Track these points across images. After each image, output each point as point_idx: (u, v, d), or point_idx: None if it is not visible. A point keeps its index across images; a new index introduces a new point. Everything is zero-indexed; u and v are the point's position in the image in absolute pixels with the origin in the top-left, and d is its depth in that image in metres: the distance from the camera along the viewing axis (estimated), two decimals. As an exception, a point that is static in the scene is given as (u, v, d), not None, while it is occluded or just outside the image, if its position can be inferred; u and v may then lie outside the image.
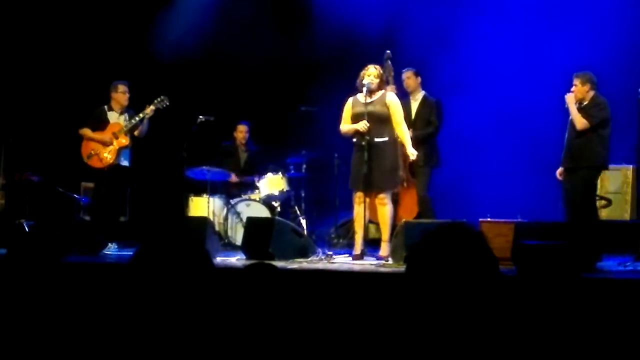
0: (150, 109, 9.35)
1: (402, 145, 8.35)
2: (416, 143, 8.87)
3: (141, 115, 9.36)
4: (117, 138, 9.36)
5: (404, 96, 9.00)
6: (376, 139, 8.15)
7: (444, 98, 9.35)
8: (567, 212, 8.19)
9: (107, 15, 11.82)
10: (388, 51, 8.84)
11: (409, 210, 9.01)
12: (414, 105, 9.18)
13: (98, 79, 10.69)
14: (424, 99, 9.19)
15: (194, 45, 11.34)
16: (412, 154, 8.27)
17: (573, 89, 8.19)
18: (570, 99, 8.16)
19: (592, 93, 8.15)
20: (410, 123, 8.90)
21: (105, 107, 9.54)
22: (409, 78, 9.20)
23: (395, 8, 10.88)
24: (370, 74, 8.24)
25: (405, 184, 8.95)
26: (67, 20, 11.77)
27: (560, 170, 8.32)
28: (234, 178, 10.81)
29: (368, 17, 10.71)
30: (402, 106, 8.51)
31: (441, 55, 10.32)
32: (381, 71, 8.33)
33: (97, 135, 9.40)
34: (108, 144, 9.35)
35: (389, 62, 8.75)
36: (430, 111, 9.13)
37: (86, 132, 9.45)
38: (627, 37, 9.91)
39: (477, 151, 10.51)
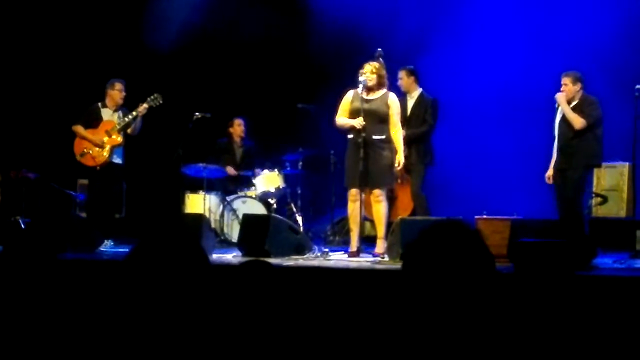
0: (143, 107, 9.35)
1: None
2: (410, 141, 8.86)
3: (134, 113, 9.36)
4: (110, 136, 9.35)
5: (398, 94, 8.99)
6: (374, 137, 8.14)
7: (439, 95, 9.34)
8: (560, 210, 8.20)
9: (100, 10, 11.78)
10: (379, 49, 8.83)
11: (405, 207, 9.01)
12: (410, 103, 9.14)
13: (93, 76, 10.67)
14: (420, 97, 9.16)
15: (188, 41, 11.34)
16: (401, 161, 8.25)
17: (563, 88, 8.17)
18: (562, 99, 8.14)
19: (581, 92, 8.15)
20: (405, 120, 8.90)
21: (100, 104, 9.53)
22: (402, 78, 9.15)
23: (391, 7, 10.88)
24: (366, 70, 8.24)
25: (399, 181, 8.95)
26: (61, 17, 11.75)
27: (549, 173, 8.32)
28: (231, 170, 10.80)
29: (365, 14, 10.71)
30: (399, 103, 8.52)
31: (436, 53, 10.31)
32: (378, 68, 8.29)
33: (89, 133, 9.39)
34: (101, 143, 9.34)
35: (381, 59, 8.73)
36: (425, 110, 9.10)
37: (79, 129, 9.44)
38: (624, 33, 9.91)
39: (472, 149, 10.51)
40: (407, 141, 8.79)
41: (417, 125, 9.06)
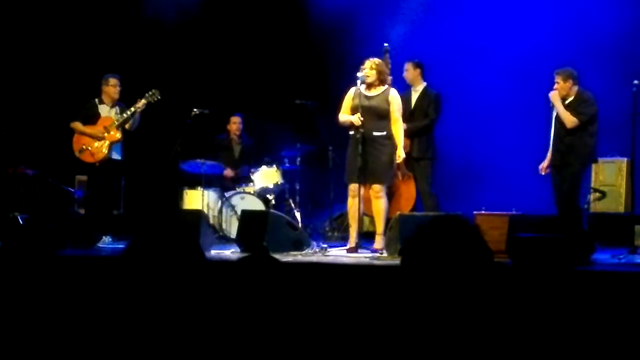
0: (141, 103, 9.33)
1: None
2: (411, 135, 8.87)
3: (132, 109, 9.34)
4: (108, 132, 9.34)
5: (403, 88, 9.00)
6: (374, 133, 8.14)
7: (438, 89, 9.32)
8: (558, 205, 8.22)
9: (96, 5, 11.76)
10: (386, 44, 8.84)
11: (405, 204, 8.98)
12: (414, 97, 9.15)
13: (91, 72, 10.65)
14: (424, 91, 9.16)
15: (186, 37, 11.34)
16: (401, 155, 8.26)
17: (556, 86, 8.17)
18: (554, 97, 8.15)
19: (575, 88, 8.14)
20: (409, 114, 8.92)
21: (97, 100, 9.51)
22: (407, 70, 9.17)
23: (390, 1, 10.88)
24: (366, 66, 8.24)
25: (401, 177, 8.95)
26: (58, 13, 11.73)
27: (543, 165, 8.33)
28: (228, 172, 10.79)
29: (364, 8, 10.70)
30: (402, 97, 8.54)
31: (435, 47, 10.30)
32: (378, 64, 8.27)
33: (88, 129, 9.38)
34: (99, 139, 9.33)
35: (387, 54, 8.75)
36: (428, 104, 9.12)
37: (77, 125, 9.43)
38: (622, 28, 9.90)
39: (471, 144, 10.50)
40: (409, 135, 8.79)
41: (420, 119, 9.07)
